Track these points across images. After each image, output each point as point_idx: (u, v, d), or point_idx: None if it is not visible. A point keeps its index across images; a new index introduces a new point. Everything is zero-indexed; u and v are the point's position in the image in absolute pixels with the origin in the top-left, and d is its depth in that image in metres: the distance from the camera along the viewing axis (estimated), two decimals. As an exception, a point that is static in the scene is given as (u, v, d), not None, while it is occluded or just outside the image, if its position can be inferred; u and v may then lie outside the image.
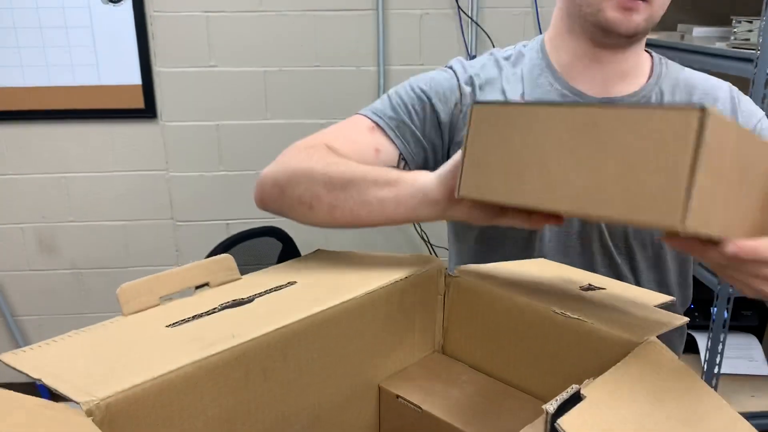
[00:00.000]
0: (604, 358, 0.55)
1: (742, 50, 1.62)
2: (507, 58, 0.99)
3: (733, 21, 1.70)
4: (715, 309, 1.75)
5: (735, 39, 1.69)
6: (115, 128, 2.29)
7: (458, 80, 0.95)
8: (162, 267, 2.45)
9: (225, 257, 0.73)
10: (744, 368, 2.00)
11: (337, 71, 2.28)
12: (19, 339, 2.44)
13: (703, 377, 1.83)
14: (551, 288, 0.67)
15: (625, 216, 0.48)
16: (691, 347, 2.01)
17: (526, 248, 0.96)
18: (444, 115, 0.94)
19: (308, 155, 0.83)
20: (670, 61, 1.01)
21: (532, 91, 0.93)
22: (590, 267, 0.96)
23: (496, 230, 0.98)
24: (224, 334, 0.55)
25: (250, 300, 0.64)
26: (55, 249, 2.40)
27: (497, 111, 0.56)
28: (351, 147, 0.88)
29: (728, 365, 1.87)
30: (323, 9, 2.21)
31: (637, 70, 0.96)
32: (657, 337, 0.56)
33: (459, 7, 2.20)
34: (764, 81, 1.52)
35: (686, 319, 0.62)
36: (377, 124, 0.92)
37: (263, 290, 0.66)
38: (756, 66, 1.53)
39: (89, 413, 0.45)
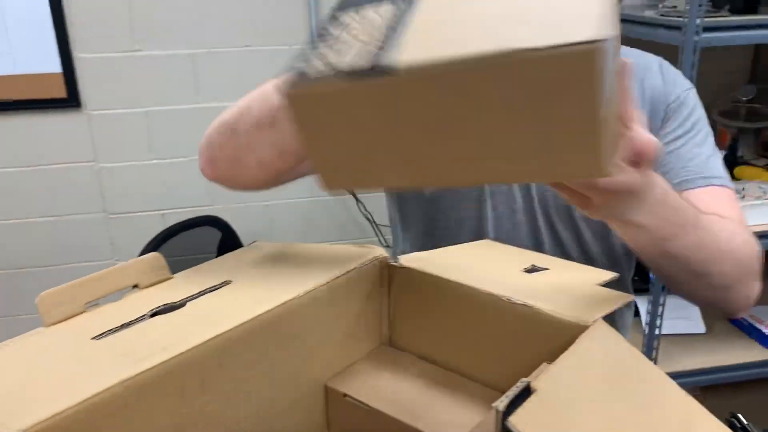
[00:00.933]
0: (552, 342, 0.54)
1: (670, 18, 1.64)
2: None
3: (661, -11, 1.72)
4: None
5: (663, 7, 1.71)
6: (37, 120, 2.16)
7: None
8: (97, 262, 2.36)
9: (154, 256, 0.69)
10: (682, 328, 2.06)
11: (270, 50, 2.21)
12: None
13: (645, 339, 1.88)
14: (495, 272, 0.65)
15: (536, 175, 0.45)
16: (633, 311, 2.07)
17: (478, 230, 0.95)
18: None
19: (233, 109, 0.81)
20: None
21: None
22: (538, 244, 0.95)
23: (445, 217, 0.96)
24: (155, 347, 0.51)
25: (182, 304, 0.60)
26: (-22, 251, 2.27)
27: (320, 93, 0.44)
28: None
29: (667, 326, 1.93)
30: (251, -13, 2.13)
31: None
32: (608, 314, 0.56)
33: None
34: (692, 48, 1.54)
35: (631, 297, 0.61)
36: None
37: (196, 292, 0.62)
38: (684, 34, 1.55)
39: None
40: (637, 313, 2.05)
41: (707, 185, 0.88)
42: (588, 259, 0.97)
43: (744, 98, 2.32)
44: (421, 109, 0.42)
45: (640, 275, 1.99)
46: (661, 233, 0.67)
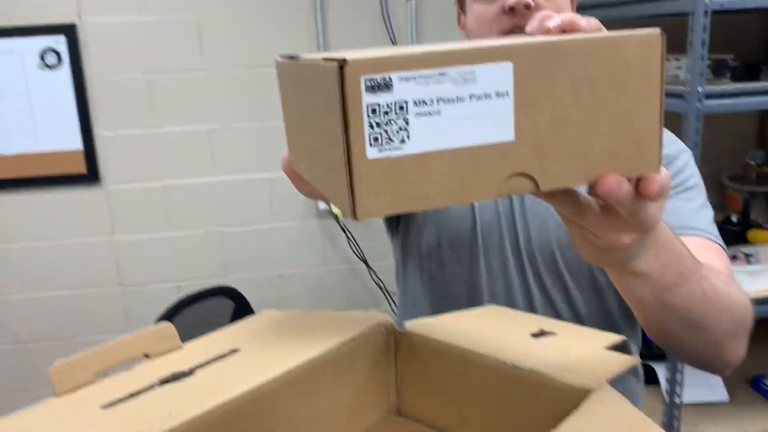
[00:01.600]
0: (559, 407, 0.54)
1: (671, 86, 1.68)
2: None
3: (662, 59, 1.76)
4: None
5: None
6: (57, 195, 2.22)
7: None
8: (112, 335, 2.35)
9: (164, 326, 0.70)
10: (704, 395, 2.01)
11: (282, 126, 2.27)
12: None
13: (665, 408, 1.83)
14: (502, 337, 0.66)
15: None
16: (652, 378, 2.02)
17: (473, 287, 0.96)
18: None
19: None
20: None
21: None
22: (531, 302, 0.96)
23: (442, 271, 0.97)
24: (162, 414, 0.52)
25: (190, 372, 0.61)
26: (-4, 325, 2.30)
27: (288, 66, 0.53)
28: None
29: (688, 394, 1.88)
30: (266, 65, 2.21)
31: None
32: (613, 379, 0.56)
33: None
34: (695, 116, 1.57)
35: (636, 360, 0.61)
36: None
37: (204, 360, 0.63)
38: (687, 101, 1.58)
39: None
40: (656, 381, 2.00)
41: (693, 235, 0.85)
42: (579, 321, 0.96)
43: (753, 162, 2.34)
44: (302, 100, 0.51)
45: (658, 342, 1.96)
46: (662, 282, 0.64)
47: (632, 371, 1.01)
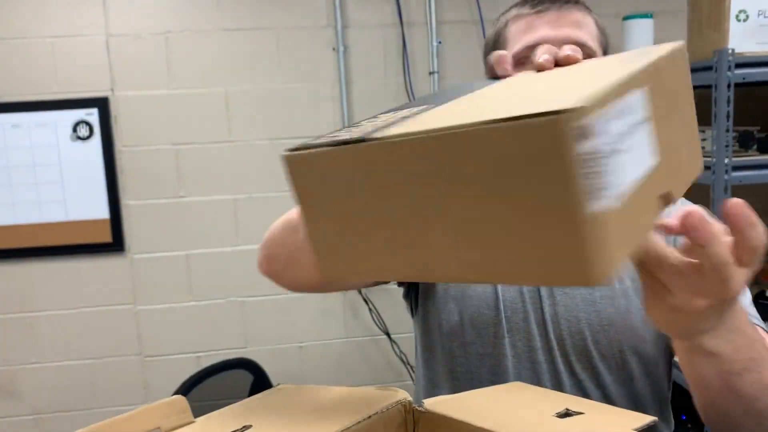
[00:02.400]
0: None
1: (698, 158, 1.66)
2: None
3: (686, 131, 1.76)
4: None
5: (690, 147, 1.74)
6: (82, 263, 2.24)
7: None
8: (128, 407, 2.33)
9: (177, 399, 0.68)
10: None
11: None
12: None
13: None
14: (526, 417, 0.62)
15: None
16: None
17: (498, 368, 0.92)
18: None
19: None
20: None
21: None
22: (559, 384, 0.91)
23: (465, 352, 0.93)
24: (166, 496, 0.49)
25: (200, 450, 0.58)
26: (15, 394, 2.28)
27: (314, 159, 0.43)
28: None
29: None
30: (290, 138, 2.25)
31: None
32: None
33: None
34: (723, 187, 1.55)
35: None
36: None
37: (215, 438, 0.61)
38: (714, 173, 1.56)
39: None
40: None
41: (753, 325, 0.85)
42: (610, 403, 0.91)
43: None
44: (401, 185, 0.39)
45: (695, 424, 1.87)
46: (732, 366, 0.60)
47: None
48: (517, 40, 0.90)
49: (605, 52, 0.92)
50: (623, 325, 0.87)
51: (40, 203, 2.20)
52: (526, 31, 0.89)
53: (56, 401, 2.27)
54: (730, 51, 1.51)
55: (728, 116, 1.52)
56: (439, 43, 2.28)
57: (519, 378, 0.92)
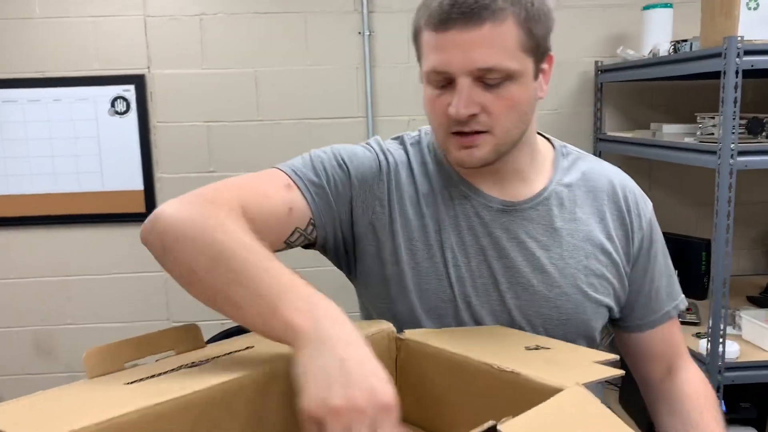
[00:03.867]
0: (537, 403, 0.58)
1: (706, 144, 1.70)
2: (413, 144, 0.98)
3: (698, 117, 1.80)
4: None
5: (701, 134, 1.78)
6: (116, 232, 2.37)
7: (379, 161, 0.94)
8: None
9: (191, 326, 0.78)
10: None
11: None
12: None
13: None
14: (496, 348, 0.70)
15: None
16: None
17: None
18: (356, 194, 0.91)
19: (211, 212, 0.75)
20: (572, 150, 1.00)
21: (437, 185, 0.93)
22: None
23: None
24: (175, 387, 0.58)
25: (208, 361, 0.67)
26: (52, 352, 2.42)
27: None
28: (263, 203, 0.84)
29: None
30: (314, 118, 2.34)
31: (534, 168, 0.94)
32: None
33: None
34: (728, 171, 1.59)
35: (621, 372, 0.65)
36: (295, 183, 0.88)
37: (222, 353, 0.70)
38: (719, 157, 1.61)
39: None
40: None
41: (671, 318, 1.02)
42: None
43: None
44: None
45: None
46: None
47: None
48: (427, 55, 0.84)
49: (539, 44, 0.83)
50: (578, 319, 0.92)
51: (79, 174, 2.33)
52: (433, 50, 0.82)
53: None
54: (739, 38, 1.54)
55: (735, 102, 1.56)
56: (463, 29, 2.34)
57: None
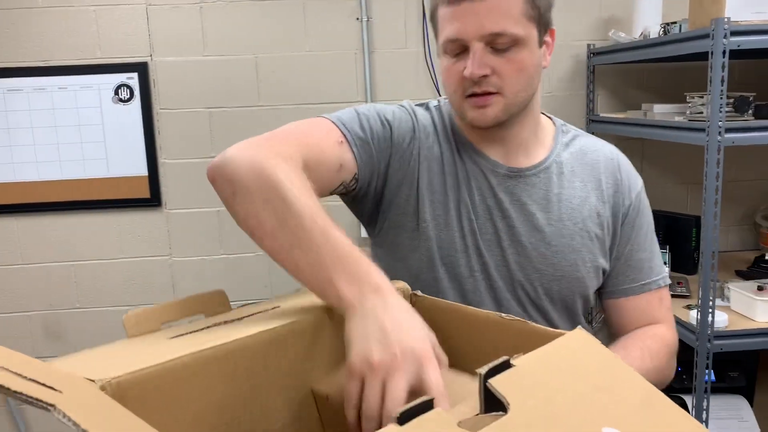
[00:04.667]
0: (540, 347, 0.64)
1: (696, 122, 1.77)
2: (436, 109, 1.08)
3: (687, 97, 1.86)
4: (696, 371, 1.81)
5: (690, 113, 1.85)
6: (122, 217, 2.43)
7: (413, 123, 1.03)
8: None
9: (218, 292, 0.84)
10: (735, 430, 2.02)
11: (330, 158, 2.44)
12: (21, 426, 2.48)
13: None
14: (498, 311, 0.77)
15: None
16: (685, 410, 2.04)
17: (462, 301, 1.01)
18: (395, 151, 1.00)
19: (281, 168, 0.81)
20: (571, 129, 1.11)
21: (454, 148, 1.03)
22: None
23: (436, 285, 1.02)
24: (216, 337, 0.65)
25: (239, 319, 0.74)
26: (61, 336, 2.48)
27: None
28: (320, 158, 0.91)
29: (719, 426, 1.91)
30: (316, 102, 2.40)
31: (537, 141, 1.05)
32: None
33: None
34: (716, 147, 1.66)
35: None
36: (346, 139, 0.96)
37: (251, 313, 0.76)
38: (708, 135, 1.67)
39: (102, 388, 0.54)
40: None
41: (659, 288, 1.07)
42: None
43: (787, 202, 2.38)
44: None
45: (688, 373, 1.99)
46: None
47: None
48: (443, 28, 0.95)
49: (541, 15, 0.95)
50: (572, 276, 1.01)
51: (84, 161, 2.37)
52: (449, 20, 0.93)
53: (96, 344, 2.45)
54: (726, 19, 1.61)
55: (723, 81, 1.63)
56: (458, 14, 2.39)
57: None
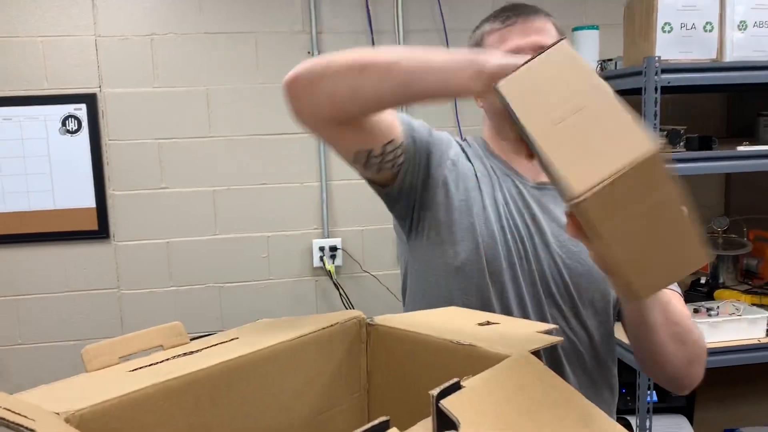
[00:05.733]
0: (490, 372, 0.68)
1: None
2: (467, 146, 1.19)
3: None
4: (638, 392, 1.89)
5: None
6: (69, 250, 2.38)
7: (449, 138, 1.15)
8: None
9: (176, 324, 0.85)
10: (677, 448, 2.10)
11: (282, 187, 2.46)
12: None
13: (638, 456, 1.92)
14: (453, 326, 0.80)
15: None
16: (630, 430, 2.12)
17: (487, 302, 1.08)
18: (434, 150, 1.10)
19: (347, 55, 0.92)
20: None
21: (487, 164, 1.14)
22: (542, 317, 1.10)
23: (463, 288, 1.09)
24: (176, 369, 0.66)
25: (199, 350, 0.75)
26: (2, 374, 2.40)
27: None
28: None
29: (660, 445, 1.98)
30: (268, 133, 2.42)
31: None
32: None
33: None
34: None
35: (560, 339, 0.76)
36: (398, 121, 1.05)
37: (209, 345, 0.77)
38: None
39: (67, 420, 0.55)
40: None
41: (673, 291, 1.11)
42: (587, 335, 1.12)
43: (719, 229, 2.51)
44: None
45: (632, 395, 2.07)
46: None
47: (608, 386, 1.15)
48: (496, 48, 1.08)
49: None
50: (596, 272, 1.03)
51: (29, 192, 2.33)
52: (500, 42, 1.09)
53: (40, 380, 2.38)
54: (657, 58, 1.72)
55: (656, 115, 1.73)
56: (406, 49, 2.47)
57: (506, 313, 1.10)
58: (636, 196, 0.60)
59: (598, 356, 1.12)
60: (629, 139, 0.61)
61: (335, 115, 0.95)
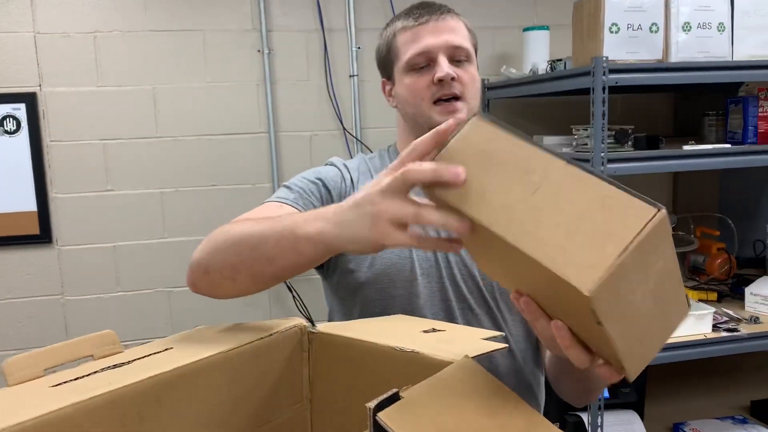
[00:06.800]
0: (433, 379, 0.66)
1: (581, 153, 1.88)
2: (371, 159, 1.20)
3: (573, 129, 1.98)
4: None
5: (576, 144, 1.96)
6: (10, 255, 2.29)
7: (340, 170, 1.14)
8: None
9: (108, 333, 0.81)
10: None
11: (233, 189, 2.41)
12: None
13: (590, 453, 1.94)
14: (398, 333, 0.78)
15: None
16: (582, 427, 2.13)
17: (409, 306, 1.08)
18: (335, 195, 1.09)
19: (223, 230, 0.92)
20: None
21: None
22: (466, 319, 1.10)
23: (380, 296, 1.09)
24: (101, 384, 0.62)
25: (129, 363, 0.71)
26: (-63, 385, 2.29)
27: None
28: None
29: (613, 441, 2.00)
30: (217, 133, 2.37)
31: None
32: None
33: (344, 128, 2.43)
34: (600, 176, 1.77)
35: (504, 346, 0.74)
36: (285, 203, 1.04)
37: (142, 356, 0.74)
38: (592, 165, 1.78)
39: (-25, 446, 0.51)
40: (585, 430, 2.12)
41: None
42: (507, 332, 1.12)
43: (667, 226, 2.56)
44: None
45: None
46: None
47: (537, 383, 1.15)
48: (407, 48, 1.09)
49: (475, 48, 1.13)
50: None
51: (-34, 196, 2.23)
52: (413, 40, 1.09)
53: (-20, 393, 2.29)
54: (604, 59, 1.73)
55: (603, 115, 1.75)
56: (359, 48, 2.45)
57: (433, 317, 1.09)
58: (641, 270, 0.53)
59: (526, 355, 1.14)
60: (621, 208, 0.52)
61: (244, 292, 0.91)
